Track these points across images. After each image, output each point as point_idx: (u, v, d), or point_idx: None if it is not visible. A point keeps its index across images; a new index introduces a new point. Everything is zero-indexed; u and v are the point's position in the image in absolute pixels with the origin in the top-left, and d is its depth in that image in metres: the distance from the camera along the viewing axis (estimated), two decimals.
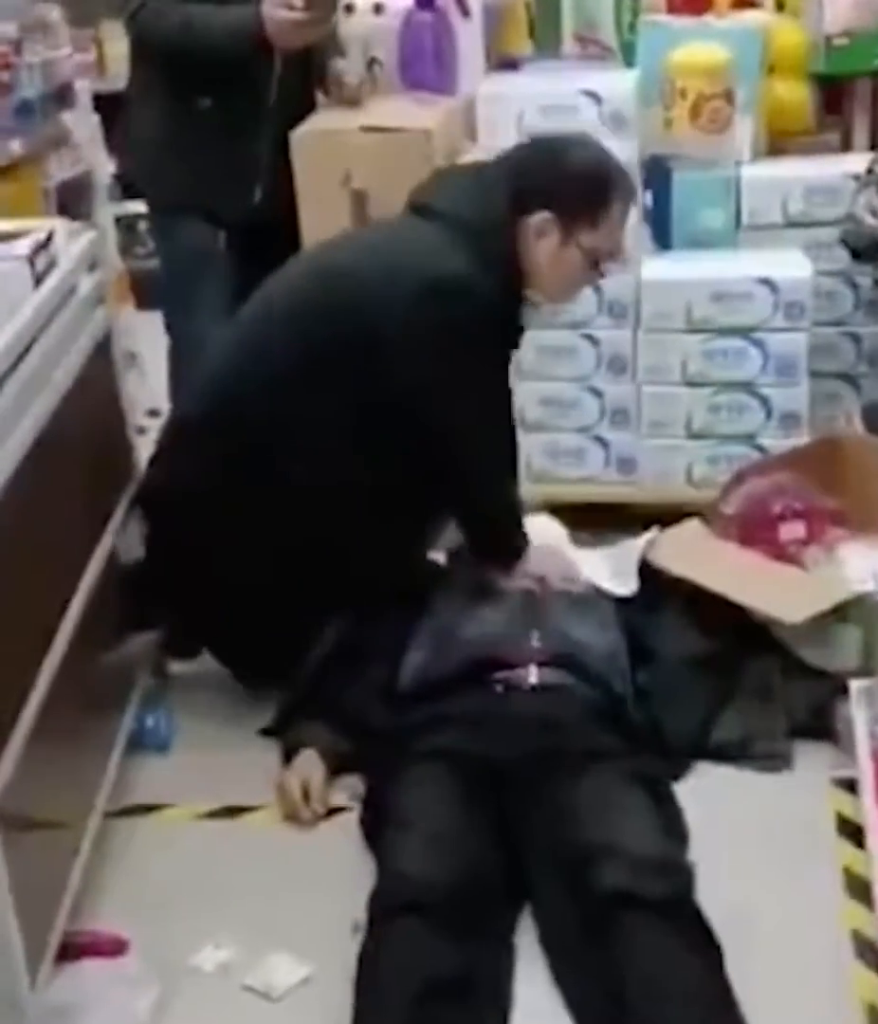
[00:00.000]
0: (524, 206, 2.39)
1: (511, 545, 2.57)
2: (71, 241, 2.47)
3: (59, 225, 2.46)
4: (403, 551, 2.60)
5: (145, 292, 4.08)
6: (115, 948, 2.03)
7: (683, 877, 2.00)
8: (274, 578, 2.45)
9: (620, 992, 1.82)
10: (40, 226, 2.39)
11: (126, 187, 4.39)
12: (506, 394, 2.59)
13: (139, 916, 2.11)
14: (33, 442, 2.01)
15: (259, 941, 2.05)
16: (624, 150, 2.84)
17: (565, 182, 2.40)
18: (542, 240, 2.41)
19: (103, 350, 2.52)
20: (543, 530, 2.72)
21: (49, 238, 2.31)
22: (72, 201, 4.07)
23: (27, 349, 2.06)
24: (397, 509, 2.46)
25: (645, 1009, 1.78)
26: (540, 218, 2.40)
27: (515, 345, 2.57)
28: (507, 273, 2.40)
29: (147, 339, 3.64)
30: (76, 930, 2.04)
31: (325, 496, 2.40)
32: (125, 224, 4.70)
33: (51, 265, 2.28)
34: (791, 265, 3.01)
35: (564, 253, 2.42)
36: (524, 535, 2.56)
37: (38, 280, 2.20)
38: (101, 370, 2.50)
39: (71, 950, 2.00)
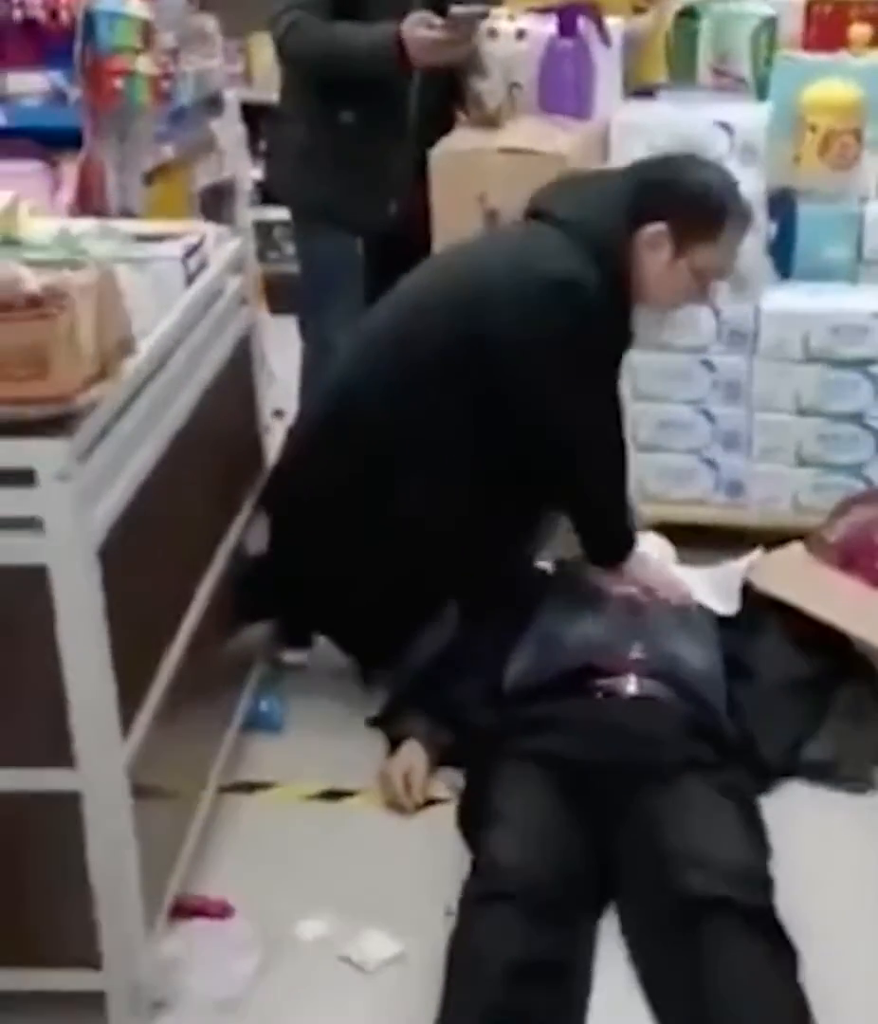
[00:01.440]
0: (641, 218, 2.47)
1: (619, 544, 2.65)
2: (219, 245, 2.60)
3: (210, 230, 2.60)
4: (512, 549, 2.69)
5: (277, 296, 4.21)
6: (222, 912, 2.15)
7: (767, 887, 2.07)
8: (388, 572, 2.55)
9: (700, 990, 1.90)
10: (193, 229, 2.54)
11: (265, 194, 4.52)
12: (616, 394, 2.66)
13: (245, 885, 2.23)
14: (176, 433, 2.13)
15: (355, 917, 2.16)
16: (752, 181, 2.93)
17: (683, 198, 2.48)
18: (654, 253, 2.49)
19: (244, 349, 2.66)
20: (651, 548, 2.80)
21: (201, 241, 2.44)
22: (215, 205, 4.21)
23: (177, 345, 2.20)
24: (510, 507, 2.55)
25: (725, 1008, 1.86)
26: (654, 230, 2.47)
27: (625, 348, 2.64)
28: (619, 280, 2.47)
29: (277, 342, 3.77)
30: (187, 893, 2.17)
31: (442, 493, 2.49)
32: (262, 229, 4.84)
33: (202, 267, 2.42)
34: None
35: (674, 268, 2.50)
36: (632, 535, 2.65)
37: (190, 280, 2.34)
38: (241, 368, 2.64)
39: (182, 911, 2.13)
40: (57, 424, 1.72)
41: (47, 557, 1.73)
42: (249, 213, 4.61)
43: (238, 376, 2.64)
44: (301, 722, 2.69)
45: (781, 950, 1.95)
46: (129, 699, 1.88)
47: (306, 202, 3.48)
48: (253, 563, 2.67)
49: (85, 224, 2.49)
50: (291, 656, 2.88)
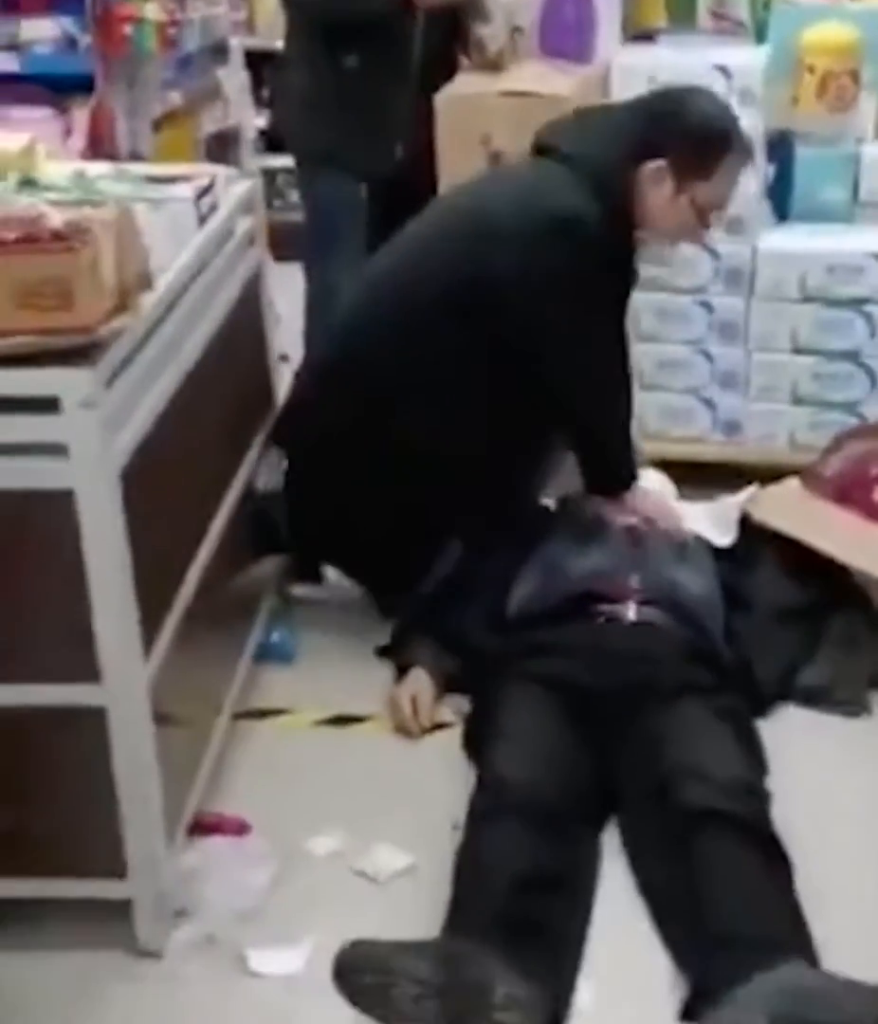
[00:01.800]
0: (643, 153, 2.51)
1: (622, 475, 2.71)
2: (230, 187, 2.66)
3: (220, 172, 2.65)
4: (518, 484, 2.76)
5: (282, 244, 4.24)
6: (240, 828, 2.24)
7: (762, 801, 2.16)
8: (397, 508, 2.62)
9: (696, 899, 1.98)
10: (203, 172, 2.59)
11: (269, 141, 4.57)
12: (621, 329, 2.71)
13: (261, 804, 2.31)
14: (192, 367, 2.20)
15: (366, 832, 2.24)
16: (750, 124, 2.95)
17: (684, 134, 2.52)
18: (656, 187, 2.53)
19: (253, 289, 2.72)
20: (651, 483, 2.87)
21: (212, 183, 2.49)
22: (220, 153, 4.27)
23: (191, 282, 2.26)
24: (516, 443, 2.63)
25: (720, 916, 1.94)
26: (656, 166, 2.52)
27: (629, 285, 2.69)
28: (621, 216, 2.52)
29: (282, 289, 3.81)
30: (206, 812, 2.25)
31: (448, 429, 2.56)
32: (266, 177, 4.87)
33: (213, 208, 2.47)
34: None
35: (675, 203, 2.54)
36: (634, 467, 2.71)
37: (202, 220, 2.39)
38: (251, 307, 2.70)
39: (201, 828, 2.21)
40: (81, 354, 1.78)
41: (73, 481, 1.79)
42: (254, 160, 4.65)
43: (248, 315, 2.70)
44: (312, 653, 2.77)
45: (775, 860, 2.03)
46: (149, 621, 1.95)
47: (310, 147, 3.53)
48: (264, 499, 2.74)
49: (100, 167, 2.53)
50: (302, 590, 2.96)
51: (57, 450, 1.79)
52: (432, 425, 2.57)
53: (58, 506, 1.80)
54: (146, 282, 2.00)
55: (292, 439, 2.75)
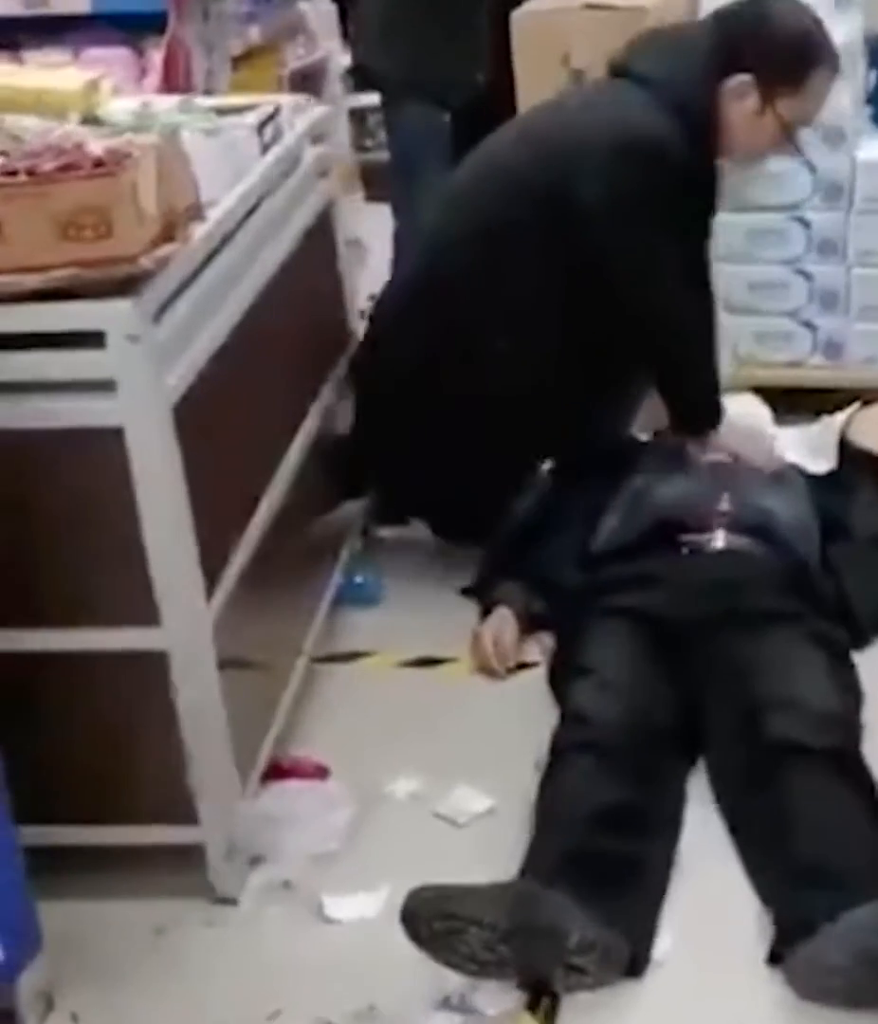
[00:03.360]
0: (725, 68, 2.40)
1: (707, 414, 2.60)
2: (297, 115, 2.58)
3: (286, 100, 2.58)
4: (603, 419, 2.67)
5: (374, 183, 4.18)
6: (318, 772, 2.20)
7: (853, 731, 2.07)
8: (478, 444, 2.54)
9: (783, 836, 1.90)
10: (269, 100, 2.52)
11: (359, 80, 4.47)
12: (703, 259, 2.61)
13: (340, 748, 2.27)
14: (254, 301, 2.13)
15: (448, 775, 2.19)
16: (849, 28, 2.83)
17: (768, 46, 2.40)
18: (740, 103, 2.42)
19: (324, 221, 2.65)
20: (746, 409, 2.75)
21: (276, 112, 2.42)
22: (306, 90, 4.16)
23: (251, 212, 2.19)
24: (599, 375, 2.52)
25: (805, 843, 1.87)
26: (739, 81, 2.41)
27: (711, 211, 2.58)
28: (704, 136, 2.42)
29: (374, 229, 3.76)
30: (285, 755, 2.21)
31: (529, 361, 2.47)
32: (357, 116, 4.78)
33: (277, 136, 2.40)
34: None
35: (761, 119, 2.43)
36: (720, 405, 2.60)
37: (265, 149, 2.32)
38: (321, 241, 2.63)
39: (279, 772, 2.17)
40: (126, 285, 1.73)
41: (123, 419, 1.74)
42: (344, 100, 4.55)
43: (320, 248, 2.63)
44: (396, 595, 2.72)
45: (866, 796, 1.94)
46: (212, 563, 1.91)
47: (391, 75, 3.46)
48: (345, 441, 2.68)
49: (166, 100, 2.47)
50: (386, 531, 2.90)
51: (105, 386, 1.74)
52: (514, 352, 2.48)
53: (108, 444, 1.75)
54: (196, 212, 1.93)
55: (370, 372, 2.68)
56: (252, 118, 2.34)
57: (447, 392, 2.54)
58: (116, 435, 1.75)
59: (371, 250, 3.85)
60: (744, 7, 2.51)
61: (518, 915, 1.76)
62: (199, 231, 1.94)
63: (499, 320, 2.48)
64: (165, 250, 1.79)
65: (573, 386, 2.52)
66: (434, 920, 1.76)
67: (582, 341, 2.50)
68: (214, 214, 2.01)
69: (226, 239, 2.06)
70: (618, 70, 2.54)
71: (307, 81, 4.29)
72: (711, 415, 2.60)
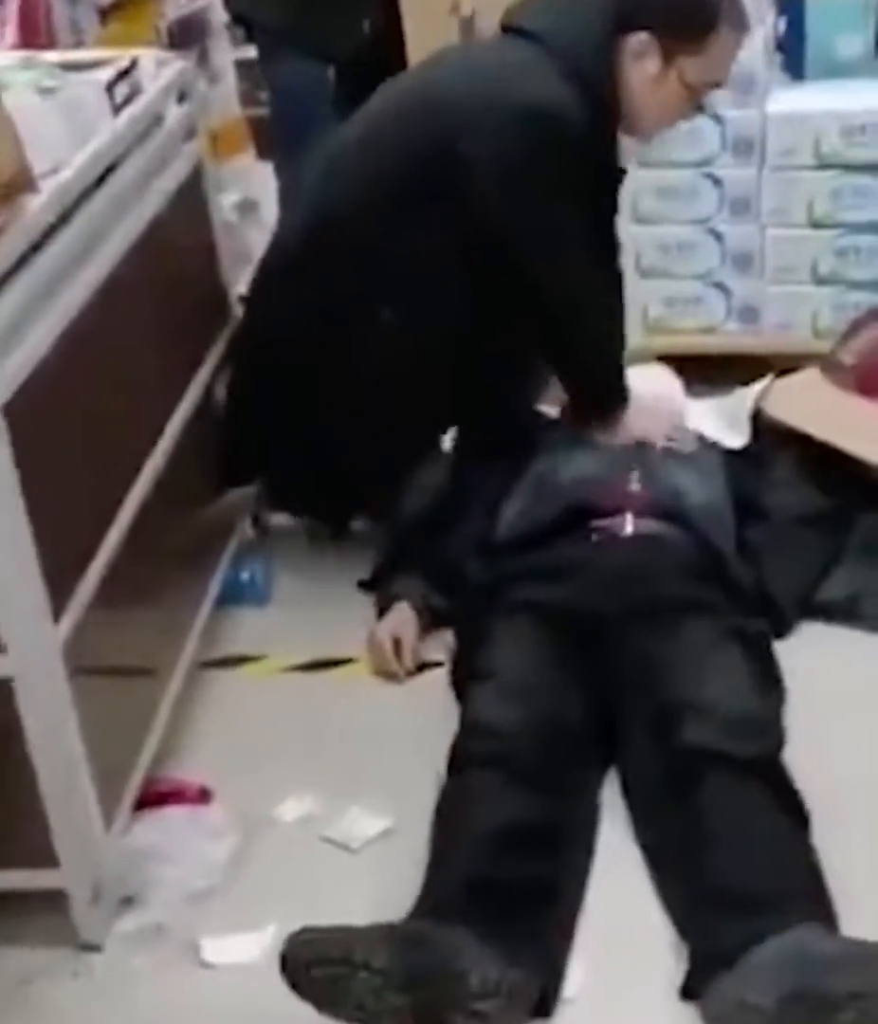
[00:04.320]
0: (624, 25, 2.21)
1: (609, 399, 2.43)
2: (160, 70, 2.36)
3: (146, 54, 2.36)
4: (503, 396, 2.48)
5: (266, 140, 3.96)
6: (199, 796, 2.02)
7: (772, 738, 1.93)
8: (370, 423, 2.36)
9: (698, 849, 1.76)
10: (125, 55, 2.30)
11: (248, 30, 4.25)
12: (605, 235, 2.44)
13: (226, 765, 2.10)
14: (105, 281, 1.93)
15: (342, 793, 2.02)
16: None
17: (667, 1, 2.22)
18: (639, 63, 2.23)
19: (193, 186, 2.43)
20: (655, 379, 2.58)
21: (131, 66, 2.21)
22: (187, 42, 3.93)
23: (103, 178, 1.98)
24: (501, 347, 2.34)
25: (720, 864, 1.72)
26: (639, 39, 2.22)
27: (613, 178, 2.40)
28: (602, 99, 2.23)
29: (267, 188, 3.55)
30: (162, 777, 2.04)
31: (422, 332, 2.29)
32: (246, 68, 4.55)
33: (134, 94, 2.19)
34: None
35: (662, 80, 2.24)
36: (624, 389, 2.42)
37: (118, 109, 2.11)
38: (190, 209, 2.41)
39: (158, 797, 1.99)
40: None
41: None
42: (230, 52, 4.31)
43: (190, 217, 2.41)
44: (287, 591, 2.53)
45: (788, 807, 1.81)
46: (62, 576, 1.72)
47: (267, 25, 3.25)
48: (228, 423, 2.48)
49: (9, 57, 2.26)
50: (278, 519, 2.71)
51: None
52: (402, 324, 2.29)
53: None
54: (25, 182, 1.72)
55: (253, 341, 2.47)
56: (104, 75, 2.13)
57: (335, 367, 2.35)
58: None
59: (266, 213, 3.64)
60: None
61: (410, 957, 1.59)
62: (33, 203, 1.73)
63: (387, 289, 2.30)
64: None
65: (472, 360, 2.34)
66: (315, 966, 1.59)
67: (480, 311, 2.30)
68: (51, 184, 1.80)
69: (69, 212, 1.85)
70: (509, 26, 2.34)
71: (189, 32, 4.05)
72: (614, 399, 2.42)
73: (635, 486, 2.33)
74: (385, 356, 2.31)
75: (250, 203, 3.40)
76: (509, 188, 2.20)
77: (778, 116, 2.82)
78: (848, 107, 2.79)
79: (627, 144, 2.38)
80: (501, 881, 1.72)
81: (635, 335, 2.78)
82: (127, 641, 1.97)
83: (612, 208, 2.44)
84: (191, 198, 2.42)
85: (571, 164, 2.21)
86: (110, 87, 2.11)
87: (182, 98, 2.44)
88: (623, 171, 2.40)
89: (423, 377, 2.32)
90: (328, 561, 2.58)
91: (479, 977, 1.58)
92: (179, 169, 2.36)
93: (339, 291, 2.32)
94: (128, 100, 2.16)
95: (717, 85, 2.34)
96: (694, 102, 2.32)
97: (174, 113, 2.38)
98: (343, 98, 3.14)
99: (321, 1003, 1.59)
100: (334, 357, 2.34)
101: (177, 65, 2.44)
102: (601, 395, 2.44)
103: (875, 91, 2.85)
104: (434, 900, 1.72)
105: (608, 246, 2.46)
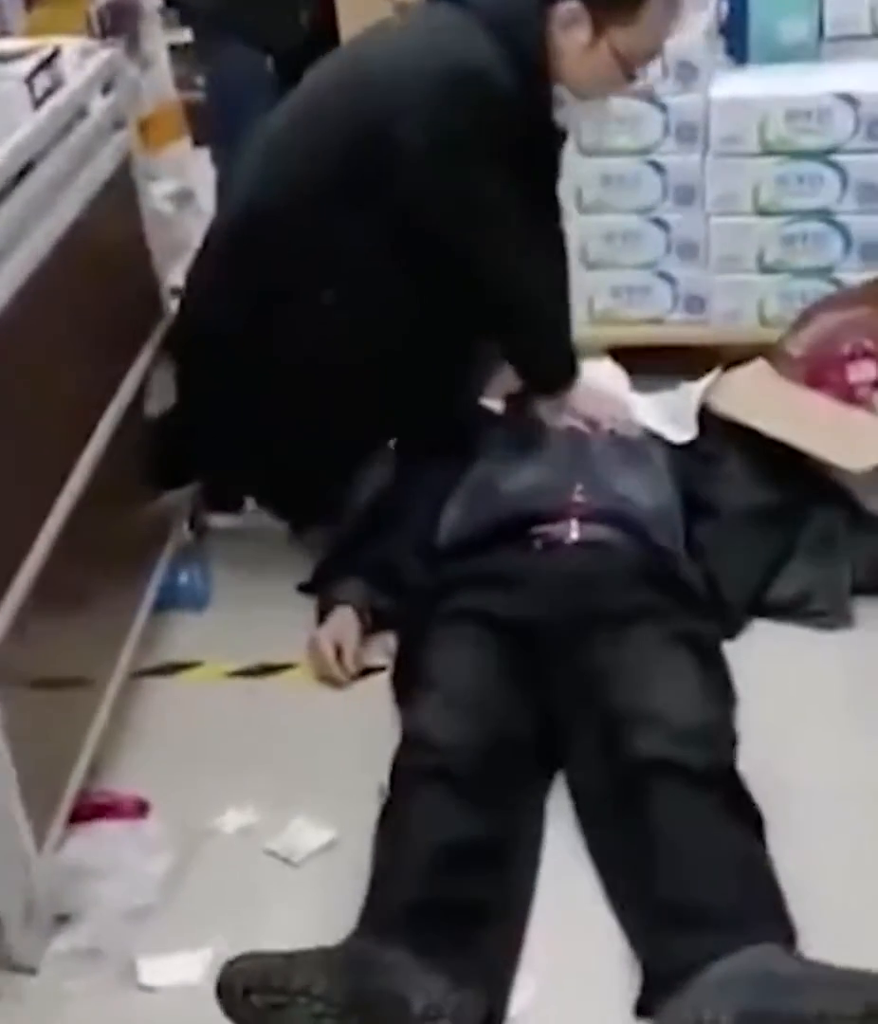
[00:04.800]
0: None
1: (557, 370, 2.38)
2: (84, 60, 2.28)
3: (70, 43, 2.28)
4: (447, 385, 2.42)
5: (202, 125, 3.88)
6: (136, 809, 1.96)
7: (723, 745, 1.88)
8: (312, 418, 2.30)
9: (650, 862, 1.71)
10: (46, 45, 2.22)
11: (182, 14, 4.17)
12: (546, 197, 2.39)
13: (163, 777, 2.04)
14: (24, 281, 1.86)
15: (284, 804, 1.97)
16: None
17: None
18: (569, 32, 2.17)
19: (123, 179, 2.36)
20: (601, 375, 2.55)
21: (52, 56, 2.13)
22: (119, 28, 3.84)
23: (23, 173, 1.91)
24: (445, 337, 2.28)
25: (673, 877, 1.68)
26: (569, 7, 2.15)
27: (551, 147, 2.34)
28: (532, 66, 2.16)
29: (204, 176, 3.47)
30: (97, 790, 1.98)
31: (362, 322, 2.23)
32: (181, 53, 4.46)
33: (56, 86, 2.11)
34: (876, 80, 2.74)
35: (594, 50, 2.18)
36: (573, 362, 2.37)
37: (39, 103, 2.03)
38: (119, 202, 2.34)
39: (94, 810, 1.94)
40: None
41: None
42: (163, 36, 4.23)
43: (118, 211, 2.34)
44: (226, 594, 2.47)
45: (742, 819, 1.75)
46: None
47: (208, 11, 3.16)
48: (163, 423, 2.41)
49: None
50: (218, 520, 2.64)
51: None
52: (342, 314, 2.23)
53: None
54: None
55: (190, 338, 2.41)
56: (24, 67, 2.05)
57: (274, 360, 2.28)
58: None
59: (204, 200, 3.56)
60: None
61: (351, 982, 1.55)
62: None
63: (326, 277, 2.23)
64: None
65: (416, 345, 2.27)
66: (254, 994, 1.54)
67: (423, 299, 2.24)
68: None
69: None
70: None
71: (120, 17, 3.96)
72: (564, 373, 2.37)
73: (579, 496, 2.27)
74: (327, 342, 2.25)
75: (186, 192, 3.32)
76: (438, 155, 2.13)
77: (722, 101, 2.77)
78: (794, 92, 2.75)
79: (580, 108, 2.30)
80: (444, 900, 1.67)
81: (582, 327, 2.73)
82: (59, 649, 1.91)
83: (552, 169, 2.38)
84: (119, 191, 2.34)
85: (499, 122, 2.14)
86: (30, 79, 2.03)
87: (108, 88, 2.37)
88: (562, 133, 2.35)
89: (366, 365, 2.26)
90: (267, 564, 2.52)
91: (422, 1001, 1.54)
92: (105, 162, 2.29)
93: (279, 275, 2.25)
94: (49, 92, 2.09)
95: (651, 56, 2.28)
96: (628, 72, 2.24)
97: (99, 104, 2.30)
98: (282, 86, 3.06)
99: None
100: (274, 345, 2.27)
101: (103, 54, 2.36)
102: (548, 367, 2.39)
103: (820, 76, 2.81)
104: (376, 920, 1.67)
105: (549, 208, 2.40)
